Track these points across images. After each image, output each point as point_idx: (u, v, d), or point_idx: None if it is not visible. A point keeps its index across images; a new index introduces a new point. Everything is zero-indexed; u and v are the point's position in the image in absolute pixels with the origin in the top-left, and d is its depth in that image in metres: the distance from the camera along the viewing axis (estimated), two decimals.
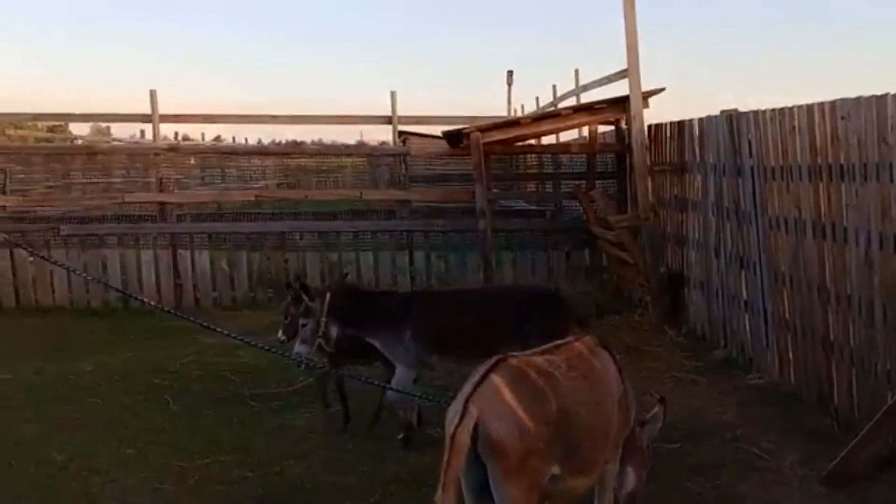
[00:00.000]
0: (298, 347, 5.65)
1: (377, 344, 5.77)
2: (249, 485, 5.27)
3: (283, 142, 24.42)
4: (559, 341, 3.75)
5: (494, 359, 3.38)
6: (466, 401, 3.18)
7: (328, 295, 5.69)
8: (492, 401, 3.20)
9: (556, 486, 3.37)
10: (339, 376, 6.16)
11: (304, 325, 5.65)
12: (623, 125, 9.71)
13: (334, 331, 5.68)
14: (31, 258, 10.79)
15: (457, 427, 3.12)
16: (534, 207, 12.84)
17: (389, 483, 5.21)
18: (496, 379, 3.26)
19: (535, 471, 3.22)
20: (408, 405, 5.85)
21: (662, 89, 9.19)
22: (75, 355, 8.40)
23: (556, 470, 3.31)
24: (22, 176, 13.44)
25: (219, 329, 5.12)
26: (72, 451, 5.83)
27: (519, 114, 17.22)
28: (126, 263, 11.06)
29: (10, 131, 18.84)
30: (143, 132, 23.93)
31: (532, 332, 5.42)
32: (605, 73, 10.00)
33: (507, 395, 3.22)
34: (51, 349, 8.69)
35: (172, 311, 6.92)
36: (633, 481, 3.84)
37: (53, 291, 10.83)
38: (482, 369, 3.33)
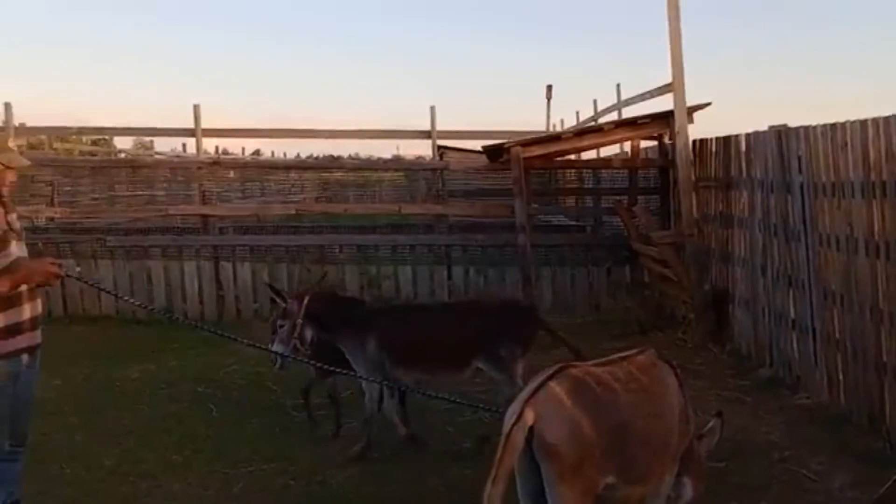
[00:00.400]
0: (276, 347, 5.80)
1: (344, 350, 5.88)
2: (292, 493, 5.32)
3: (321, 156, 24.71)
4: (621, 354, 3.76)
5: (557, 366, 3.43)
6: (525, 402, 3.24)
7: (306, 298, 5.85)
8: (550, 405, 3.24)
9: (612, 495, 3.38)
10: (333, 384, 6.34)
11: (281, 326, 5.83)
12: (667, 140, 9.67)
13: (309, 333, 5.83)
14: (79, 268, 10.98)
15: (513, 426, 3.18)
16: (574, 223, 12.80)
17: (431, 494, 5.21)
18: (556, 385, 3.30)
19: (589, 478, 3.24)
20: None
21: (708, 104, 9.13)
22: (121, 363, 8.52)
23: (611, 479, 3.33)
24: (69, 188, 13.69)
25: (226, 335, 5.35)
26: (120, 456, 5.94)
27: (558, 129, 17.22)
28: (170, 275, 11.20)
29: (57, 145, 19.21)
30: (184, 146, 24.36)
31: (501, 343, 5.73)
32: (647, 89, 9.99)
33: (566, 401, 3.26)
34: (98, 357, 8.82)
35: (194, 323, 7.11)
36: (691, 492, 3.84)
37: (100, 301, 10.97)
38: (544, 374, 3.38)
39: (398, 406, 6.18)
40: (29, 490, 4.72)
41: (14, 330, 4.21)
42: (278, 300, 5.96)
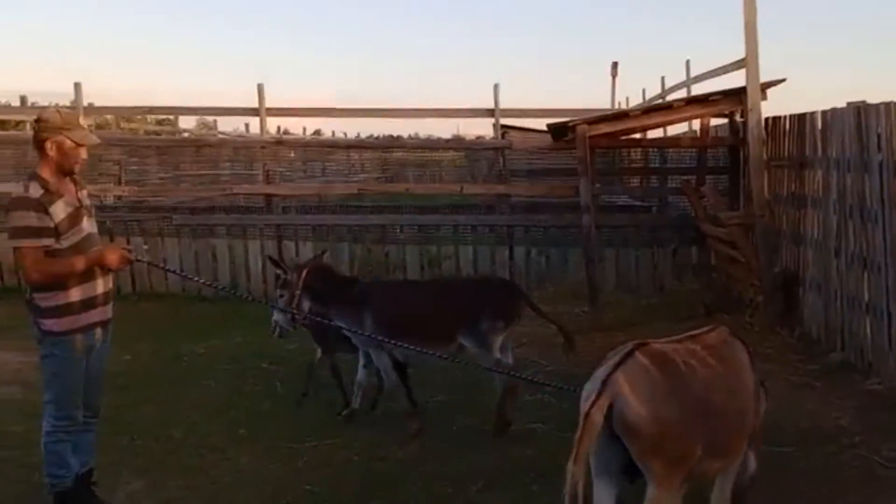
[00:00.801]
0: (276, 316, 6.16)
1: (342, 325, 6.01)
2: (355, 468, 5.37)
3: (381, 136, 24.73)
4: (693, 331, 3.73)
5: (632, 344, 3.42)
6: (604, 381, 3.24)
7: (304, 271, 6.07)
8: (628, 383, 3.24)
9: (695, 467, 3.41)
10: (334, 363, 6.54)
11: (280, 296, 6.10)
12: (738, 118, 9.41)
13: (306, 305, 6.05)
14: (147, 246, 11.21)
15: (592, 405, 3.19)
16: (639, 203, 12.59)
17: (492, 473, 5.19)
18: (634, 362, 3.31)
19: (677, 451, 3.27)
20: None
21: (783, 80, 8.87)
22: (188, 339, 8.69)
23: (699, 452, 3.35)
24: (136, 167, 13.89)
25: (289, 310, 5.78)
26: (188, 429, 6.07)
27: (623, 107, 16.92)
28: (234, 253, 11.37)
29: (124, 124, 19.59)
30: (247, 126, 24.60)
31: (482, 317, 5.84)
32: (717, 66, 9.76)
33: (644, 378, 3.27)
34: (165, 333, 9.03)
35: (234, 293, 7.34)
36: (754, 465, 3.88)
37: (167, 278, 11.17)
38: (621, 352, 3.37)
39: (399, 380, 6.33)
40: (101, 460, 4.85)
41: (89, 304, 4.34)
42: (279, 271, 6.22)
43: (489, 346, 5.85)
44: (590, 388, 3.31)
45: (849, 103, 7.06)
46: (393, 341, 5.66)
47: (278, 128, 26.06)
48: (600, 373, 3.33)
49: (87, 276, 4.29)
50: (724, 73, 9.46)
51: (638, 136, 11.61)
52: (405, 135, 25.37)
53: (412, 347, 5.49)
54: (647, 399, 3.24)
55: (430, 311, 6.05)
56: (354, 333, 5.95)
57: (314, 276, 6.10)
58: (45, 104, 15.24)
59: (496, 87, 13.09)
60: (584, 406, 3.24)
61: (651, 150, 12.22)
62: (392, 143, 17.70)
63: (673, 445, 3.24)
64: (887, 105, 6.36)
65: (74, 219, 4.28)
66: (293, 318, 6.06)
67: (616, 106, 17.50)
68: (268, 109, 13.33)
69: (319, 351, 6.61)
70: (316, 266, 6.35)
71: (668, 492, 3.28)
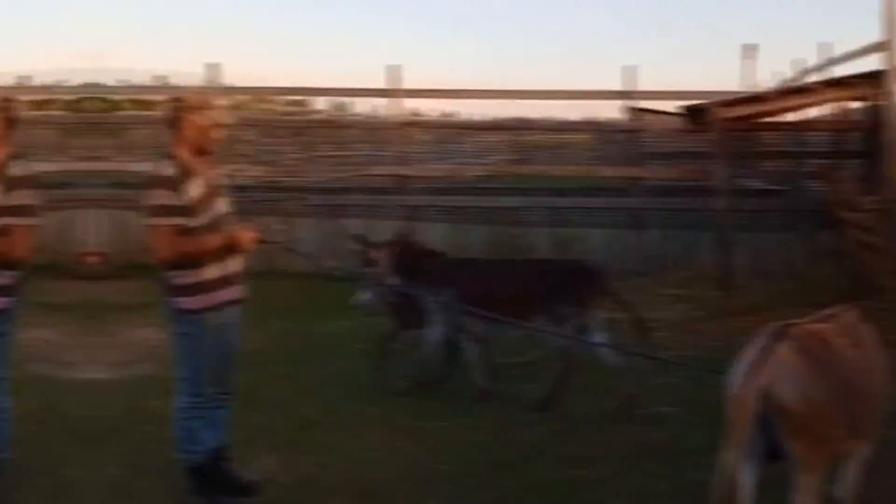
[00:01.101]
0: (360, 294, 6.42)
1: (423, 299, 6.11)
2: (484, 449, 5.41)
3: (512, 118, 24.51)
4: (829, 311, 3.76)
5: (778, 325, 3.45)
6: (756, 364, 3.29)
7: (389, 248, 6.29)
8: (780, 367, 3.28)
9: (836, 447, 3.45)
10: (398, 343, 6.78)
11: (367, 275, 6.35)
12: (878, 102, 8.99)
13: (392, 282, 6.26)
14: (283, 227, 11.54)
15: (747, 390, 3.24)
16: (773, 187, 12.18)
17: (620, 456, 5.18)
18: (783, 345, 3.34)
19: (824, 432, 3.29)
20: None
21: None
22: (319, 318, 8.86)
23: (841, 432, 3.39)
24: (269, 148, 14.29)
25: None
26: (320, 408, 6.18)
27: (756, 90, 16.29)
28: (368, 234, 11.52)
29: (258, 105, 20.12)
30: (380, 107, 24.86)
31: (560, 300, 5.92)
32: (850, 49, 9.33)
33: (795, 361, 3.30)
34: (297, 312, 9.24)
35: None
36: (870, 449, 3.81)
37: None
38: (767, 336, 3.41)
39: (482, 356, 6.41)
40: (235, 437, 4.89)
41: (223, 282, 4.38)
42: (365, 250, 6.46)
43: (563, 327, 5.95)
44: (740, 372, 3.35)
45: None
46: (482, 313, 5.73)
47: (411, 110, 26.32)
48: (750, 356, 3.37)
49: (221, 254, 4.32)
50: (862, 56, 9.04)
51: (773, 119, 11.25)
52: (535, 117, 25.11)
53: (501, 319, 5.58)
54: (800, 380, 3.27)
55: (509, 291, 6.12)
56: (440, 304, 6.11)
57: (399, 253, 6.31)
58: (181, 84, 15.87)
59: (632, 69, 12.79)
60: (737, 391, 3.30)
61: (786, 133, 11.83)
62: (524, 124, 17.61)
63: (822, 426, 3.28)
64: None
65: (208, 198, 4.33)
66: (381, 295, 6.30)
67: (749, 89, 16.84)
68: (401, 91, 13.45)
69: (393, 325, 6.77)
70: (400, 242, 6.58)
71: (815, 475, 3.30)
